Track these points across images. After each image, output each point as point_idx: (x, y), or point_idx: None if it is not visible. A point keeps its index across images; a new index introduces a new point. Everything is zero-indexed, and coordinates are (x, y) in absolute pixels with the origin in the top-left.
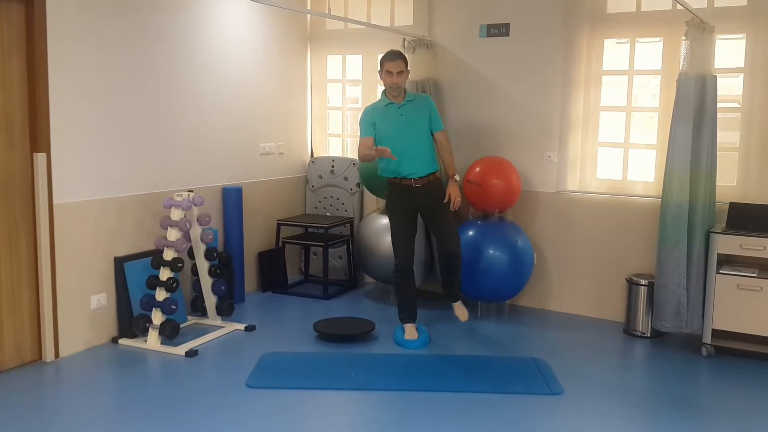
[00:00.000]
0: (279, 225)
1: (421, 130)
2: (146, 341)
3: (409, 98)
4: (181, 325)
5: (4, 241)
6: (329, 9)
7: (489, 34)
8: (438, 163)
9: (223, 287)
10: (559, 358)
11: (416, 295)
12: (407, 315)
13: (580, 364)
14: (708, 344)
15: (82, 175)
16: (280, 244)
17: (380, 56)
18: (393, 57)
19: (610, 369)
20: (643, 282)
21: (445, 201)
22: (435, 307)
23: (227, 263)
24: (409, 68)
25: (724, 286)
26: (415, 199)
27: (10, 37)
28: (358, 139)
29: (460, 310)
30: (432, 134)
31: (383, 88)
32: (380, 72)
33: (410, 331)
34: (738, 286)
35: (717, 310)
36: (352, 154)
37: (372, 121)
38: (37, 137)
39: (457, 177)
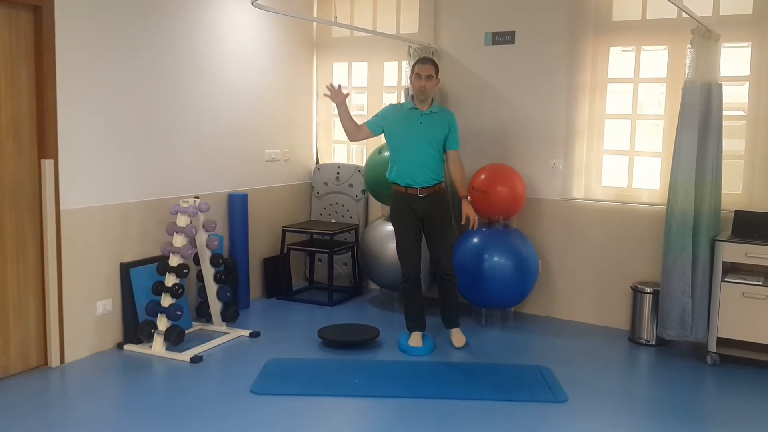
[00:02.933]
0: (284, 231)
1: (435, 141)
2: (151, 347)
3: (434, 109)
4: (186, 331)
5: (12, 247)
6: (335, 17)
7: (494, 42)
8: (444, 176)
9: (228, 293)
10: (563, 366)
11: (424, 303)
12: (415, 324)
13: (584, 371)
14: (713, 352)
15: (89, 182)
16: (285, 251)
17: (387, 63)
18: (424, 61)
19: (615, 377)
20: (648, 290)
21: (463, 223)
22: (440, 314)
23: (232, 269)
24: (439, 78)
25: (730, 294)
26: (419, 208)
27: (18, 44)
28: (363, 146)
29: (457, 337)
30: (446, 151)
31: (411, 93)
32: (410, 76)
33: (415, 339)
34: (743, 294)
35: (722, 319)
36: (358, 161)
37: (386, 118)
38: (45, 144)
39: (469, 198)
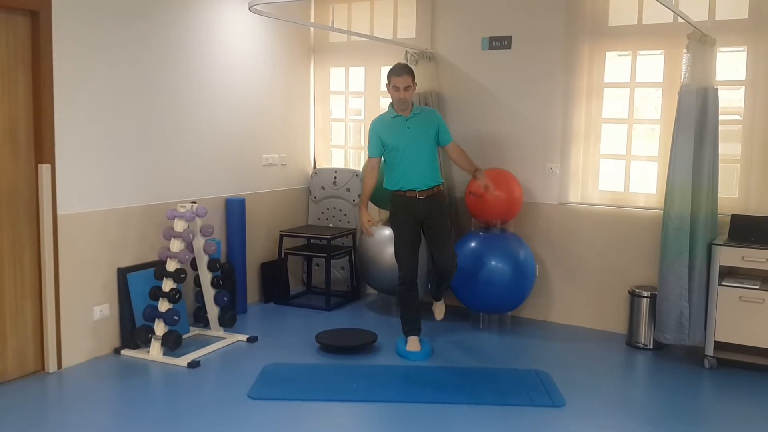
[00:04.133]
0: (281, 236)
1: (427, 143)
2: (148, 352)
3: (416, 111)
4: (184, 336)
5: (9, 252)
6: (332, 22)
7: (491, 47)
8: (442, 177)
9: (225, 298)
10: (561, 370)
11: (420, 307)
12: (411, 328)
13: (582, 376)
14: (710, 356)
15: (86, 187)
16: (283, 255)
17: (384, 68)
18: (400, 72)
19: (613, 381)
20: (645, 294)
21: (483, 190)
22: (434, 319)
23: (230, 274)
24: (416, 81)
25: (726, 298)
26: (419, 211)
27: (15, 49)
28: (360, 151)
29: (439, 309)
30: (444, 147)
31: (390, 100)
32: (387, 85)
33: (413, 343)
34: (740, 298)
35: (719, 322)
36: (355, 165)
37: (378, 137)
38: (42, 149)
39: (482, 170)
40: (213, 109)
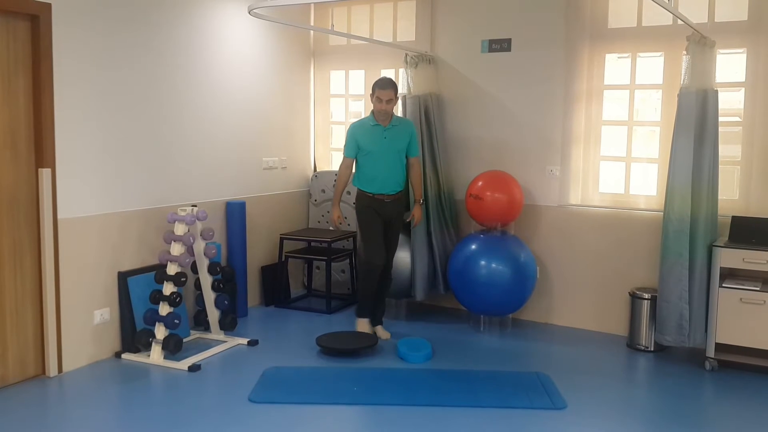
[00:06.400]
0: (282, 239)
1: (400, 152)
2: (149, 356)
3: (394, 123)
4: (184, 340)
5: (9, 256)
6: (332, 25)
7: (491, 50)
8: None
9: (226, 302)
10: (561, 373)
11: (377, 292)
12: (365, 311)
13: (583, 378)
14: (711, 358)
15: (86, 191)
16: (283, 259)
17: (384, 71)
18: (385, 86)
19: (613, 383)
20: (645, 296)
21: (407, 220)
22: (438, 321)
23: (230, 278)
24: (398, 96)
25: (727, 299)
26: (385, 212)
27: (15, 53)
28: None
29: (383, 332)
30: (407, 158)
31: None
32: (371, 95)
33: (363, 325)
34: (741, 299)
35: (720, 324)
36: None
37: (355, 139)
38: (42, 153)
39: (422, 201)
40: (213, 113)
